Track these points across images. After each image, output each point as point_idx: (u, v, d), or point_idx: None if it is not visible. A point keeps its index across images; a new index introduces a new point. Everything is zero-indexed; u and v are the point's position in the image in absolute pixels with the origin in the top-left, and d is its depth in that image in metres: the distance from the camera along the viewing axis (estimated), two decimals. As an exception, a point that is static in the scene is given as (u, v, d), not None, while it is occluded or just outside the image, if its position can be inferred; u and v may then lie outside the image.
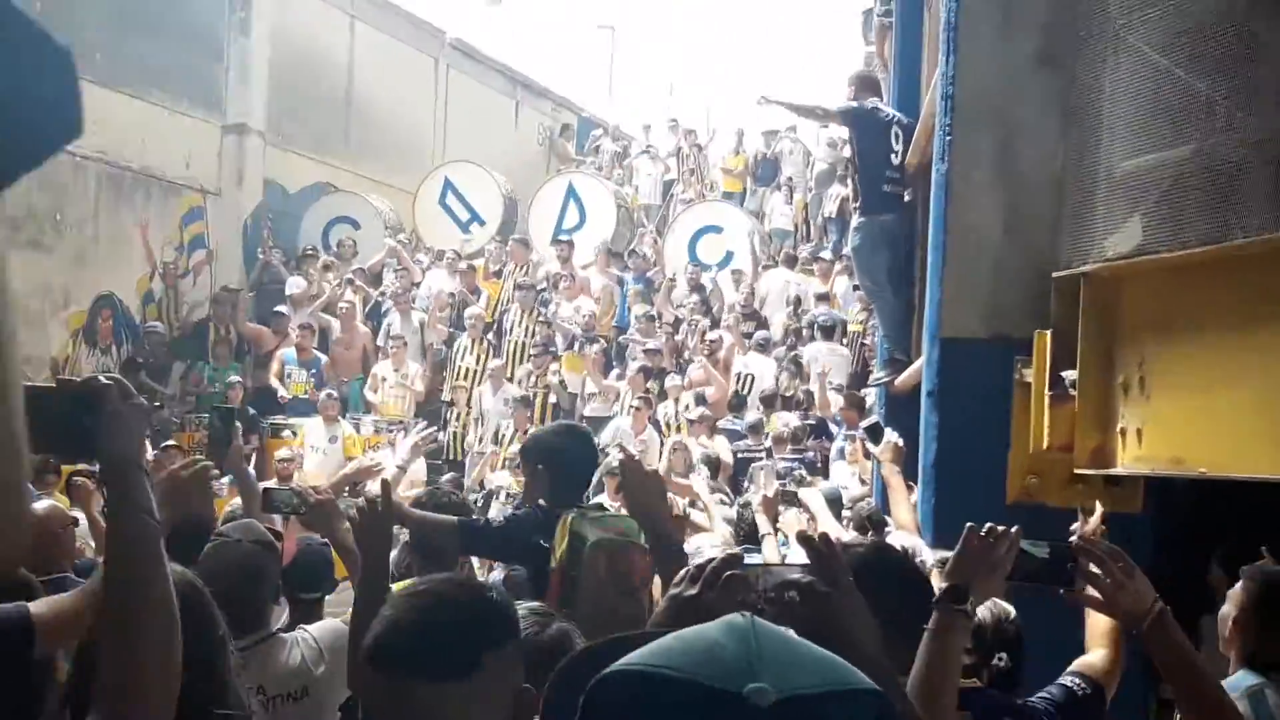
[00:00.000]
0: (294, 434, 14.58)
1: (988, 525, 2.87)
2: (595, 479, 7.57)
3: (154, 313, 17.45)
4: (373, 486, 4.95)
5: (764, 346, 15.52)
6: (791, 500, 6.12)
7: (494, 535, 4.91)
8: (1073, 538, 3.18)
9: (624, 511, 4.03)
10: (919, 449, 5.64)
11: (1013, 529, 2.87)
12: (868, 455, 8.40)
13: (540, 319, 16.54)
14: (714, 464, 11.94)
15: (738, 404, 14.65)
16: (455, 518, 5.00)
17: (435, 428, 13.53)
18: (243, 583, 3.81)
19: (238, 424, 5.08)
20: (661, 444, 13.71)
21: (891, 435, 5.78)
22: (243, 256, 19.14)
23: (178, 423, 14.79)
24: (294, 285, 17.39)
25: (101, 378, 2.21)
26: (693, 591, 2.07)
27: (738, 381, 15.03)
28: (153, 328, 16.77)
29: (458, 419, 15.71)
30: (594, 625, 3.70)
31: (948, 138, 5.45)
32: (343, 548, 4.16)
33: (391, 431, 14.60)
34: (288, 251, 18.82)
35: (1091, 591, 2.93)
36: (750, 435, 13.76)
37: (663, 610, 2.08)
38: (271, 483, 8.79)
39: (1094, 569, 2.91)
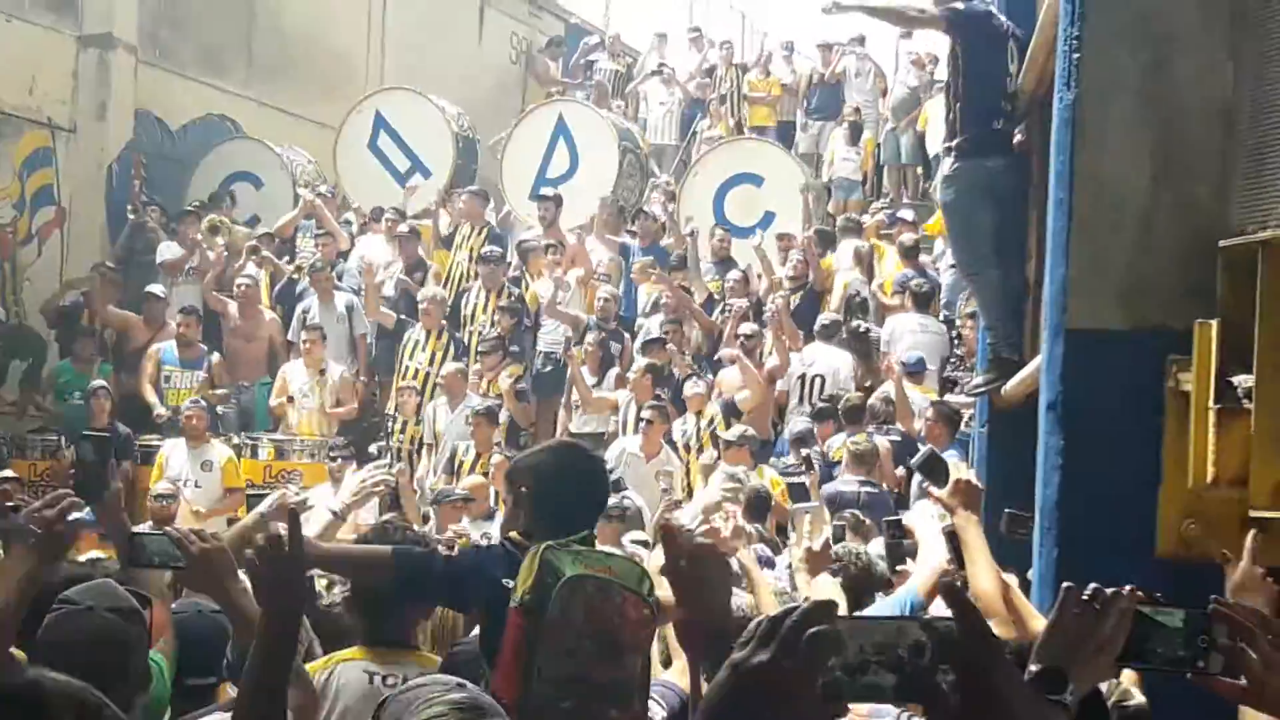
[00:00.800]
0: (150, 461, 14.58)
1: (1092, 586, 2.86)
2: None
3: (-17, 293, 17.50)
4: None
5: (831, 331, 15.35)
6: (896, 542, 6.14)
7: (443, 572, 4.93)
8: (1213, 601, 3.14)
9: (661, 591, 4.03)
10: (1035, 482, 5.63)
11: (1125, 589, 2.86)
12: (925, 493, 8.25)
13: (509, 303, 16.55)
14: (761, 503, 11.87)
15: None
16: (390, 547, 5.04)
17: (389, 465, 13.56)
18: (98, 665, 3.79)
19: (115, 459, 5.09)
20: (687, 472, 13.70)
21: (960, 468, 5.73)
22: (106, 215, 19.17)
23: (12, 447, 14.82)
24: (167, 251, 17.49)
25: None
26: (763, 657, 2.01)
27: (802, 385, 14.96)
28: (-15, 314, 16.77)
29: (402, 431, 15.72)
30: (560, 690, 3.70)
31: (1075, 55, 5.44)
32: (240, 616, 4.15)
33: (305, 457, 14.60)
34: (167, 209, 18.85)
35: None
36: (791, 450, 13.75)
37: (722, 683, 2.04)
38: (143, 526, 8.80)
39: (1239, 643, 2.89)
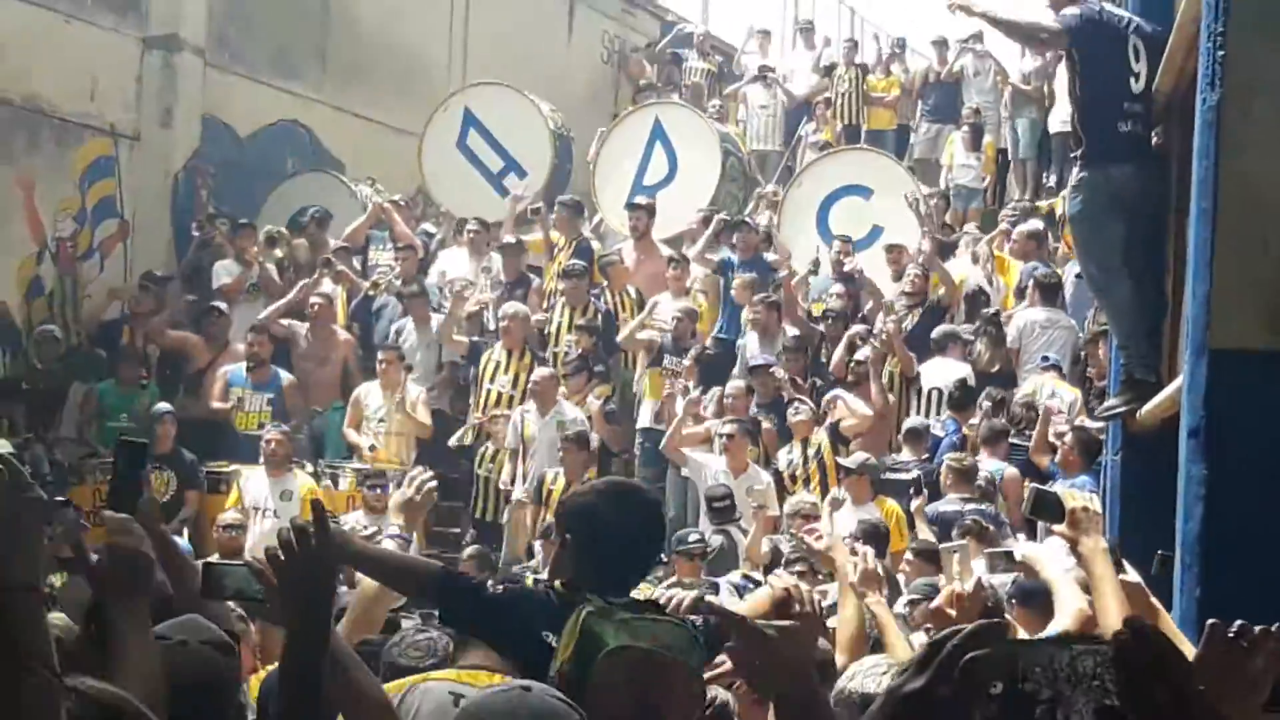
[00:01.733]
0: (227, 487, 14.74)
1: (1239, 624, 2.86)
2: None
3: (43, 310, 17.69)
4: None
5: (943, 344, 15.45)
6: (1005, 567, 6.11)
7: (482, 603, 4.90)
8: None
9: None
10: (1177, 513, 5.61)
11: (1275, 628, 2.86)
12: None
13: (589, 321, 16.54)
14: (879, 537, 11.86)
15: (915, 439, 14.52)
16: (440, 565, 5.06)
17: (432, 473, 13.56)
18: (198, 701, 3.86)
19: (150, 465, 5.10)
20: (781, 496, 13.70)
21: (1071, 496, 5.61)
22: (172, 228, 19.41)
23: (74, 474, 14.97)
24: (224, 273, 17.58)
25: None
26: (917, 684, 2.03)
27: (918, 399, 15.05)
28: (45, 332, 16.91)
29: (492, 460, 15.76)
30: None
31: (1219, 53, 5.43)
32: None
33: (383, 487, 14.66)
34: (236, 221, 18.91)
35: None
36: (909, 445, 14.12)
37: (876, 712, 2.06)
38: (214, 558, 8.87)
39: None
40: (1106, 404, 9.68)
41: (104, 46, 18.63)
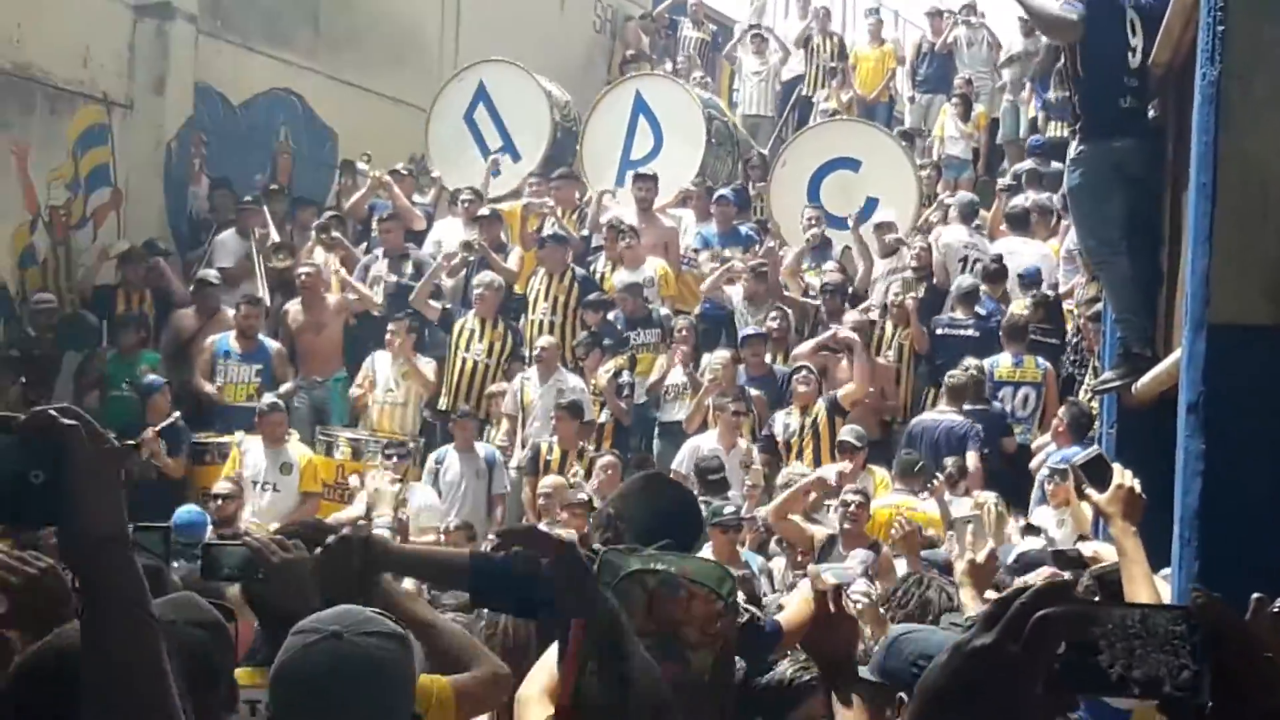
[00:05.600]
0: (222, 456, 14.70)
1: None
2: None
3: (36, 279, 17.65)
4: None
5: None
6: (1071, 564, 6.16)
7: (516, 577, 4.95)
8: None
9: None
10: (1174, 489, 5.61)
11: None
12: (1082, 496, 8.32)
13: (576, 291, 16.62)
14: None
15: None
16: (467, 551, 5.08)
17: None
18: (183, 681, 3.84)
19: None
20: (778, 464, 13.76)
21: (1125, 475, 5.66)
22: (164, 196, 19.37)
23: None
24: (224, 250, 17.65)
25: (54, 411, 2.25)
26: (986, 640, 2.00)
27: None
28: (42, 301, 16.82)
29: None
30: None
31: (1219, 27, 5.41)
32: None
33: (387, 455, 14.63)
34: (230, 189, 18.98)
35: None
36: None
37: (942, 666, 2.03)
38: (213, 538, 8.85)
39: None
40: (1103, 377, 9.70)
41: (97, 14, 18.55)
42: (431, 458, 15.02)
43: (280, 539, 4.56)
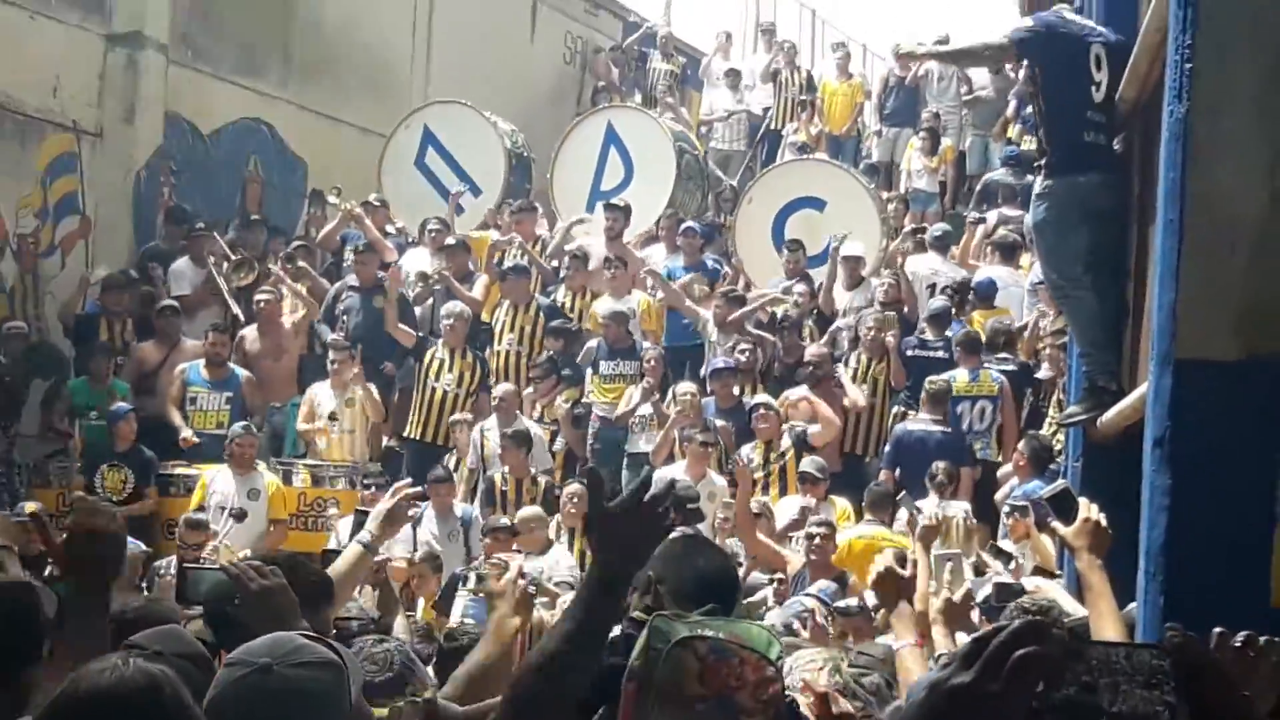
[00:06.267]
0: (188, 489, 14.62)
1: (1244, 634, 2.87)
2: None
3: (3, 307, 17.54)
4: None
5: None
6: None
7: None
8: None
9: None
10: (1141, 522, 5.61)
11: (1276, 640, 2.87)
12: (1045, 529, 8.38)
13: (541, 320, 16.66)
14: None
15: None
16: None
17: (416, 486, 13.47)
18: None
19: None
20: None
21: (1090, 509, 5.69)
22: (133, 225, 19.31)
23: (37, 474, 14.93)
24: (179, 277, 17.54)
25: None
26: (964, 679, 1.97)
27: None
28: (13, 328, 16.61)
29: (456, 468, 15.68)
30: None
31: (1187, 65, 5.43)
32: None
33: (342, 484, 14.61)
34: (202, 217, 18.84)
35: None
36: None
37: (919, 705, 2.02)
38: (191, 560, 8.78)
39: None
40: (1068, 411, 9.71)
41: (68, 43, 18.52)
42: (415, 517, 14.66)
43: (258, 565, 4.53)
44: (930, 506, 12.70)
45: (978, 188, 20.84)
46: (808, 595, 10.13)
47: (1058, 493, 5.66)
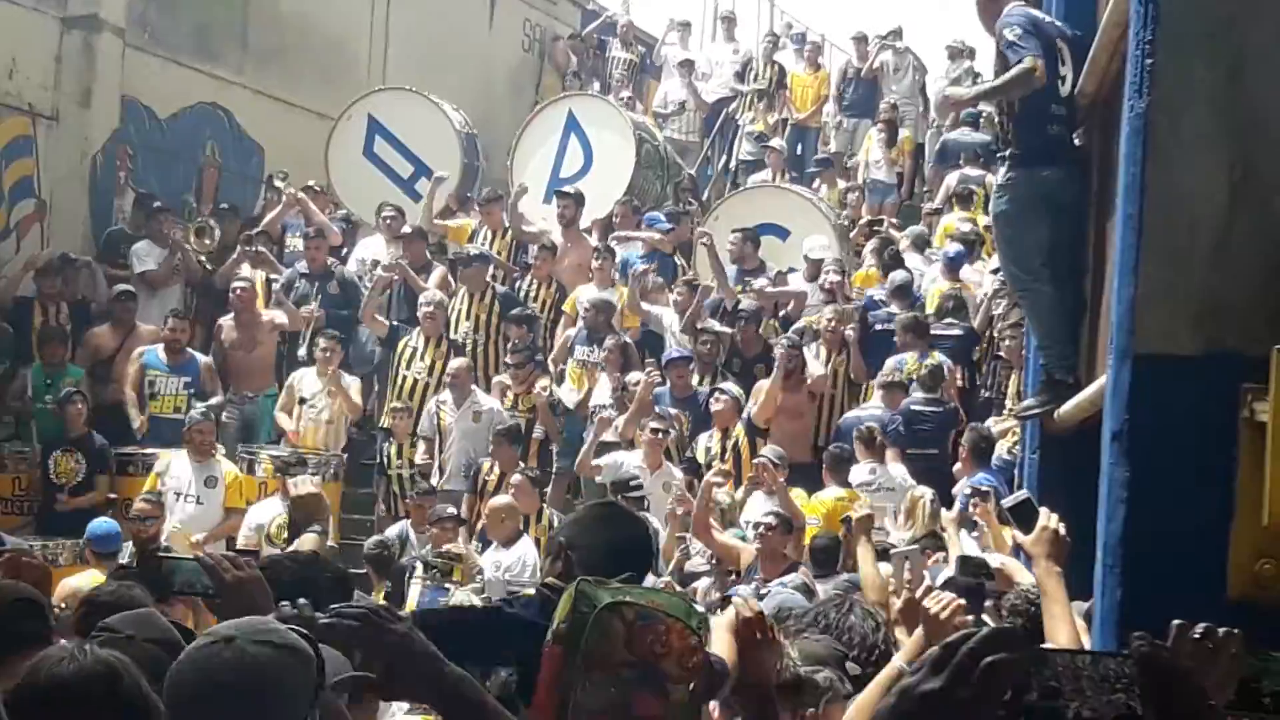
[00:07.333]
0: (146, 468, 14.62)
1: (1203, 626, 2.89)
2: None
3: (-42, 292, 17.44)
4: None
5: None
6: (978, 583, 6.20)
7: (478, 630, 4.94)
8: None
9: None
10: (1099, 515, 5.64)
11: (1235, 631, 2.90)
12: (1004, 521, 8.44)
13: (497, 309, 16.67)
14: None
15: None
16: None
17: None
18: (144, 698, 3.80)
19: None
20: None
21: (1050, 517, 5.72)
22: (89, 209, 19.19)
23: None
24: (142, 255, 17.47)
25: None
26: (934, 685, 1.99)
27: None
28: (-32, 314, 16.46)
29: (399, 457, 15.73)
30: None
31: (1147, 61, 5.44)
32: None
33: (306, 470, 14.57)
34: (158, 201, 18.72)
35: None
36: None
37: (888, 710, 2.03)
38: (167, 550, 8.75)
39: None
40: (1024, 403, 9.76)
41: (23, 25, 18.37)
42: (393, 531, 14.54)
43: (233, 556, 4.51)
44: (862, 472, 13.23)
45: (935, 147, 20.90)
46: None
47: (1019, 503, 5.76)
